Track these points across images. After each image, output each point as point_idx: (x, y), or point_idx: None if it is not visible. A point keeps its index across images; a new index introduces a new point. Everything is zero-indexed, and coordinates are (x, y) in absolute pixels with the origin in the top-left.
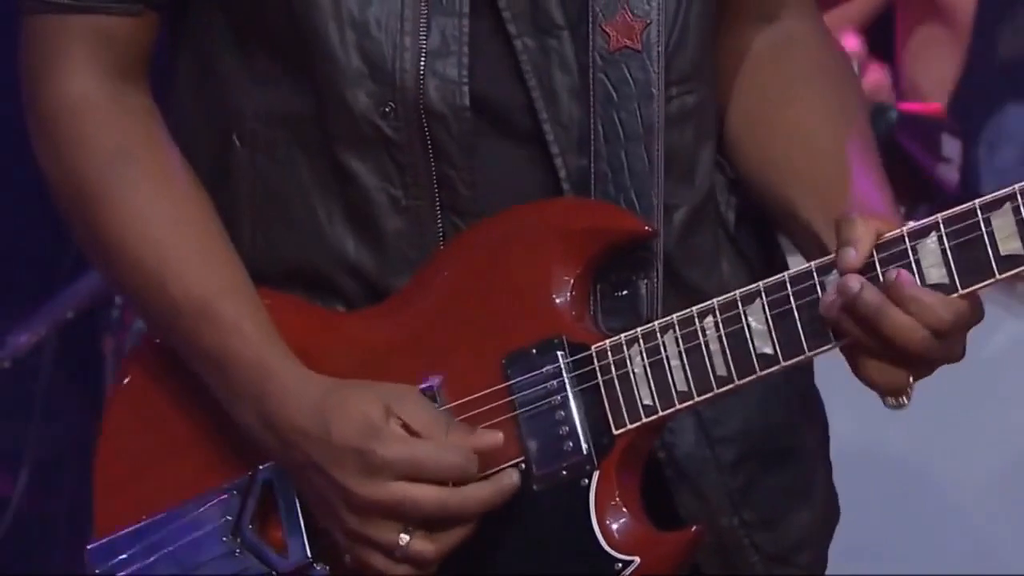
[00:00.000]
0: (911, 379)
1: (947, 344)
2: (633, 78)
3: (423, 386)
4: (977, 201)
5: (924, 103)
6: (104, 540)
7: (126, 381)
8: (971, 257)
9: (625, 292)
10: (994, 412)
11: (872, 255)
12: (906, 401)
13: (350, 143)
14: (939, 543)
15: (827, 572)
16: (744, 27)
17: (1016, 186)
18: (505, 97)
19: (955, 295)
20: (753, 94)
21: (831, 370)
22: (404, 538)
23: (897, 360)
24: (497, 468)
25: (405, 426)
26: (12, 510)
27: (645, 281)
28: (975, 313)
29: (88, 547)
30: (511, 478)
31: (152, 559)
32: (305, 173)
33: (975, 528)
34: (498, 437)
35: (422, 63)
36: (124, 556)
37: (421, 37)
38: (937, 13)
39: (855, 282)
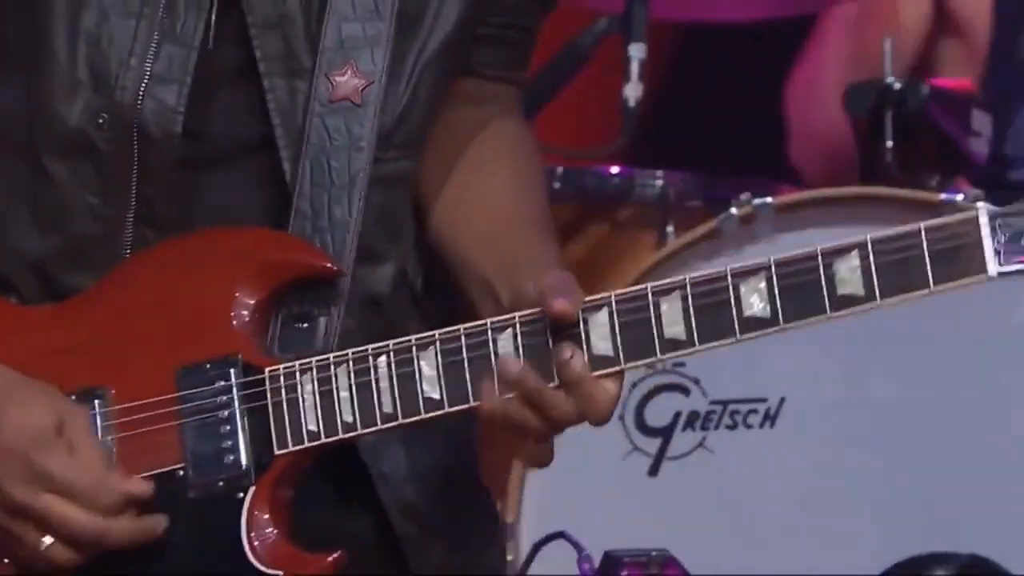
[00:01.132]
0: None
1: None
2: (348, 130)
3: (86, 387)
4: (650, 285)
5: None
6: None
7: None
8: (637, 335)
9: (306, 325)
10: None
11: (545, 319)
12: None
13: (56, 147)
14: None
15: None
16: (457, 107)
17: (688, 277)
18: (237, 129)
19: (617, 368)
20: (450, 164)
21: None
22: (45, 541)
23: (547, 436)
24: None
25: (71, 448)
26: None
27: (326, 318)
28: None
29: None
30: (156, 523)
31: None
32: (5, 173)
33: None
34: (148, 487)
35: (143, 85)
36: None
37: (148, 61)
38: (953, 30)
39: (514, 365)
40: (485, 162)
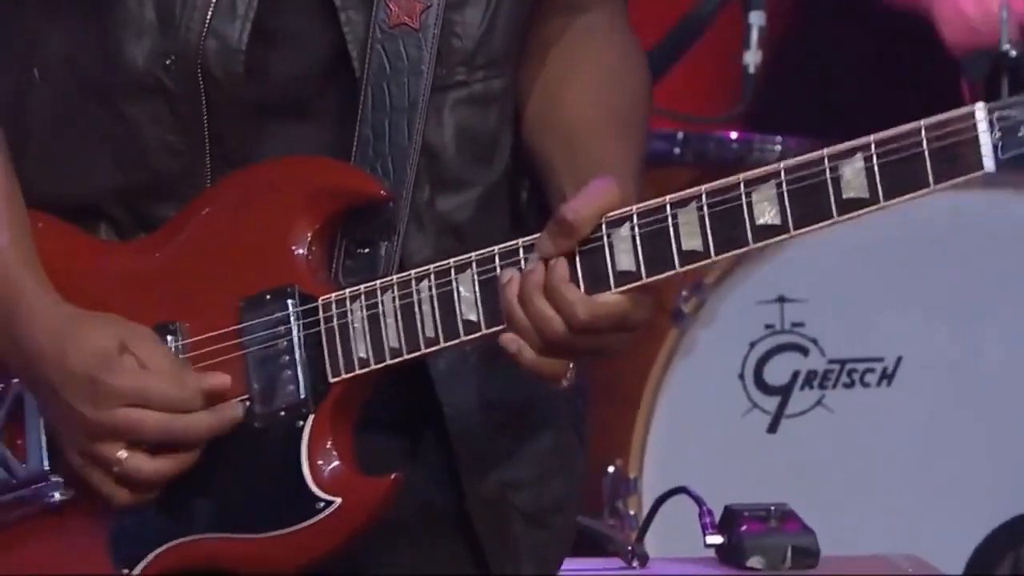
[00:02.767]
0: (569, 367)
1: (589, 339)
2: (407, 54)
3: (160, 322)
4: (668, 197)
5: None
6: None
7: None
8: (657, 248)
9: (367, 251)
10: None
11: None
12: (565, 383)
13: (129, 90)
14: None
15: None
16: (553, 17)
17: (703, 187)
18: (306, 64)
19: (639, 283)
20: (542, 73)
21: None
22: (122, 455)
23: (540, 346)
24: (232, 401)
25: (138, 362)
26: None
27: (385, 243)
28: (633, 315)
29: None
30: (235, 410)
31: None
32: (87, 115)
33: None
34: (224, 380)
35: (206, 25)
36: None
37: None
38: None
39: (508, 272)
40: (573, 70)
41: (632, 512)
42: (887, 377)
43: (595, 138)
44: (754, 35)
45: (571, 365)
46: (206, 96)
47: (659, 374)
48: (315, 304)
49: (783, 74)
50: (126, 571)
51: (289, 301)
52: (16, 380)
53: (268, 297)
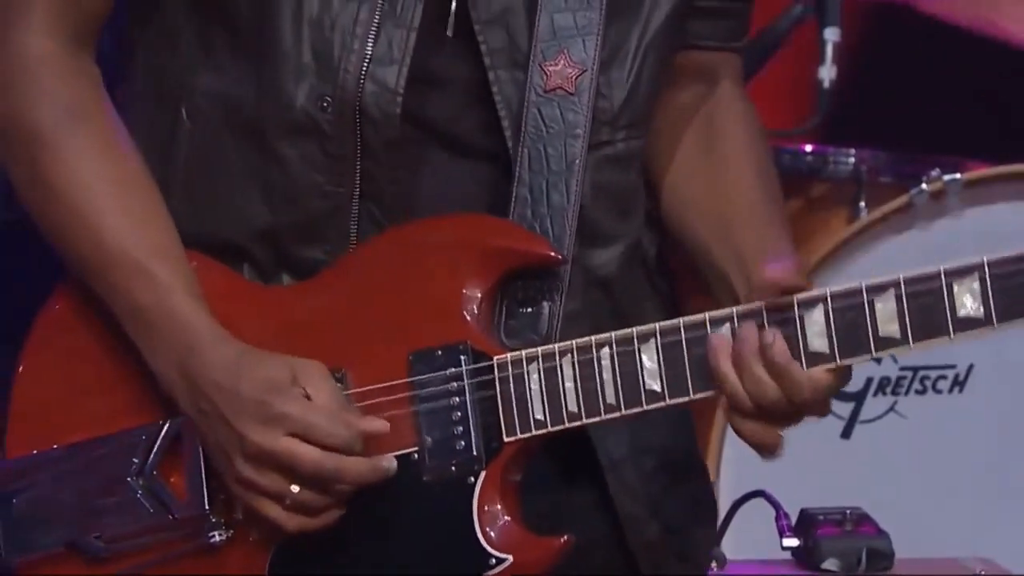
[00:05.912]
0: (779, 435)
1: (805, 410)
2: (563, 118)
3: (330, 367)
4: (864, 283)
5: None
6: (12, 460)
7: (55, 309)
8: (852, 333)
9: (530, 310)
10: None
11: (762, 315)
12: (779, 454)
13: (283, 130)
14: None
15: None
16: (685, 83)
17: (901, 274)
18: (457, 113)
19: (832, 365)
20: (677, 141)
21: None
22: (295, 488)
23: (757, 414)
24: (390, 454)
25: (306, 395)
26: None
27: (548, 303)
28: (839, 385)
29: None
30: (389, 464)
31: (55, 487)
32: (236, 153)
33: None
34: (384, 425)
35: (364, 68)
36: (27, 479)
37: (369, 43)
38: None
39: (718, 336)
40: (714, 141)
41: None
42: (959, 384)
43: (752, 218)
44: (828, 50)
45: (782, 439)
46: (361, 137)
47: None
48: (489, 363)
49: (857, 88)
50: None
51: (462, 358)
52: (175, 418)
53: (439, 353)
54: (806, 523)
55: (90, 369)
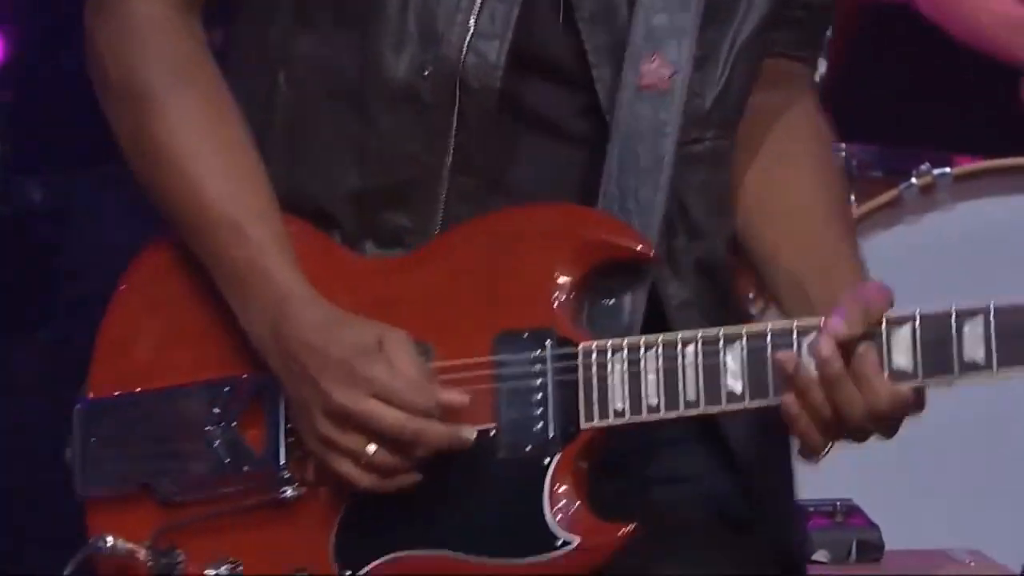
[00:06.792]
0: (828, 443)
1: (879, 425)
2: (655, 116)
3: (417, 341)
4: (954, 306)
5: None
6: (94, 399)
7: (148, 260)
8: (938, 354)
9: (612, 302)
10: None
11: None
12: (822, 457)
13: (383, 97)
14: None
15: None
16: (767, 88)
17: (992, 301)
18: (554, 95)
19: (914, 384)
20: (753, 149)
21: None
22: (371, 448)
23: (830, 427)
24: (470, 426)
25: (391, 362)
26: None
27: (632, 296)
28: (916, 405)
29: (77, 405)
30: (468, 433)
31: (135, 429)
32: (333, 120)
33: None
34: (463, 398)
35: (467, 40)
36: (108, 420)
37: (473, 15)
38: None
39: (828, 348)
40: (789, 152)
41: None
42: None
43: (826, 232)
44: None
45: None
46: (459, 109)
47: None
48: (574, 350)
49: (847, 83)
50: (348, 573)
51: (548, 342)
52: (259, 372)
53: (526, 336)
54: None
55: (177, 320)
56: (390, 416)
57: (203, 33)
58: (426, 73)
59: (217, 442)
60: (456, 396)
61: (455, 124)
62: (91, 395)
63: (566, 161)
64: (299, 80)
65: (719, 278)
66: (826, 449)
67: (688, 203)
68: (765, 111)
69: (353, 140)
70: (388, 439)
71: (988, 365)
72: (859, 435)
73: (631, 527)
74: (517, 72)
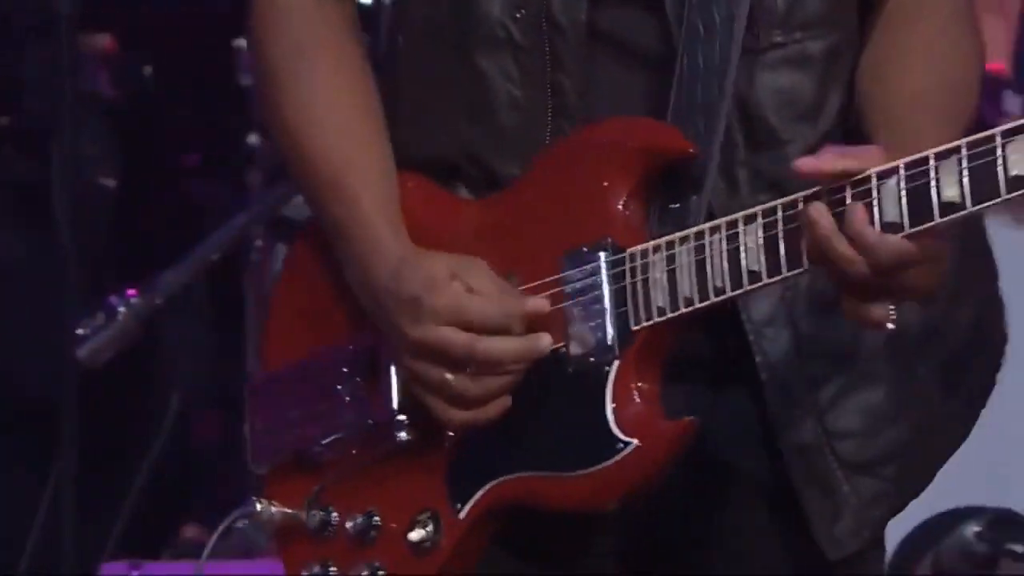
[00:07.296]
0: (890, 311)
1: (895, 279)
2: (720, 16)
3: (501, 272)
4: (932, 150)
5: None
6: (263, 373)
7: (303, 243)
8: (919, 201)
9: (678, 205)
10: None
11: (845, 189)
12: (890, 326)
13: (482, 43)
14: None
15: None
16: None
17: (963, 140)
18: (633, 27)
19: (902, 234)
20: (875, 51)
21: None
22: (449, 376)
23: (851, 288)
24: (547, 338)
25: (466, 287)
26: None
27: (694, 198)
28: (926, 253)
29: (248, 382)
30: (542, 341)
31: (285, 401)
32: (442, 71)
33: None
34: (544, 304)
35: None
36: (267, 394)
37: None
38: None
39: (815, 212)
40: (903, 45)
41: None
42: None
43: (913, 120)
44: None
45: (892, 309)
46: (550, 48)
47: None
48: (623, 255)
49: None
50: (459, 505)
51: (602, 253)
52: (374, 332)
53: (586, 250)
54: None
55: (321, 296)
56: (458, 337)
57: (341, 13)
58: (518, 15)
59: (348, 399)
60: (537, 303)
61: (549, 64)
62: (264, 370)
63: (645, 86)
64: (414, 39)
65: (787, 188)
66: (889, 315)
67: (757, 110)
68: (898, 9)
69: (462, 90)
70: (463, 364)
71: (963, 204)
72: (886, 295)
73: (690, 420)
74: (597, 4)
